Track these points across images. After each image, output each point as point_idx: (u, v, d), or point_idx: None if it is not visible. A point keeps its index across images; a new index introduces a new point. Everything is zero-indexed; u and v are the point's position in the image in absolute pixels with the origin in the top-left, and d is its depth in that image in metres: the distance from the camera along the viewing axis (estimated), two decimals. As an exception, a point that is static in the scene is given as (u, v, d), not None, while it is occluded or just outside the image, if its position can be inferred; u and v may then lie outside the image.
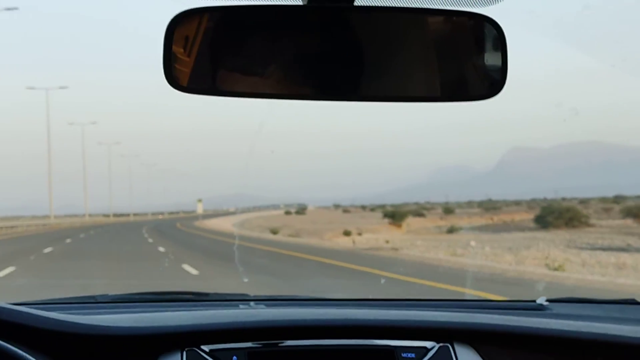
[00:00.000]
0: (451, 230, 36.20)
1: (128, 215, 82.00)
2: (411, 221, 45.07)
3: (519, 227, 36.90)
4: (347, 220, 49.41)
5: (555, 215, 33.39)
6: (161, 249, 21.27)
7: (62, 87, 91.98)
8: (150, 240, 27.10)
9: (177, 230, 41.53)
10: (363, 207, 76.71)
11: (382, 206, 73.30)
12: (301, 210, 69.72)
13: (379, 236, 31.99)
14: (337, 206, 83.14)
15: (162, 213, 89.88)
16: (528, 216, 46.47)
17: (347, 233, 32.39)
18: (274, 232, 34.70)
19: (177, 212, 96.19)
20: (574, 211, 35.33)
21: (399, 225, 40.57)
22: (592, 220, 34.82)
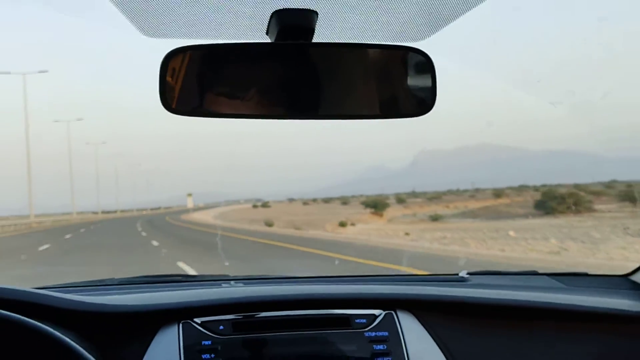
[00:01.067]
0: (436, 218, 32.93)
1: (115, 212, 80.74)
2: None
3: (516, 214, 32.48)
4: (324, 211, 45.09)
5: (558, 201, 29.85)
6: (155, 242, 19.97)
7: (41, 72, 76.08)
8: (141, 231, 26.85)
9: (166, 222, 39.31)
10: (314, 200, 73.81)
11: (329, 199, 70.58)
12: (265, 204, 67.09)
13: (372, 226, 28.95)
14: (291, 200, 79.26)
15: (145, 209, 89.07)
16: (492, 202, 43.66)
17: (342, 224, 29.43)
18: (269, 224, 31.50)
19: (158, 208, 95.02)
20: (577, 196, 30.80)
21: (381, 215, 37.73)
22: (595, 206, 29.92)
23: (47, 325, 1.44)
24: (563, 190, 33.63)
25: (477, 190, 60.00)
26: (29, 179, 50.37)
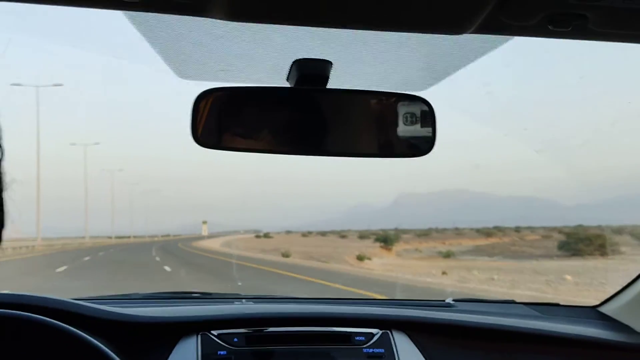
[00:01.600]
0: (447, 255, 30.86)
1: (129, 237, 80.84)
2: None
3: (532, 254, 30.11)
4: (328, 243, 43.03)
5: (585, 243, 28.09)
6: (167, 267, 19.85)
7: (56, 85, 75.28)
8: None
9: (180, 249, 37.41)
10: (310, 232, 72.01)
11: (325, 232, 69.26)
12: (267, 235, 65.03)
13: (389, 261, 26.96)
14: (288, 232, 77.70)
15: (156, 235, 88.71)
16: (485, 241, 42.54)
17: (361, 258, 27.04)
18: (286, 255, 29.16)
19: (168, 235, 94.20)
20: (604, 238, 28.83)
21: (390, 249, 35.33)
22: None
23: (85, 333, 1.53)
24: (590, 232, 31.16)
25: (457, 229, 59.34)
26: (38, 200, 47.67)
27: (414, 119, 1.59)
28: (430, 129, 1.56)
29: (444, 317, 2.04)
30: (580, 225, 39.48)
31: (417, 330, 1.96)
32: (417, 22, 1.22)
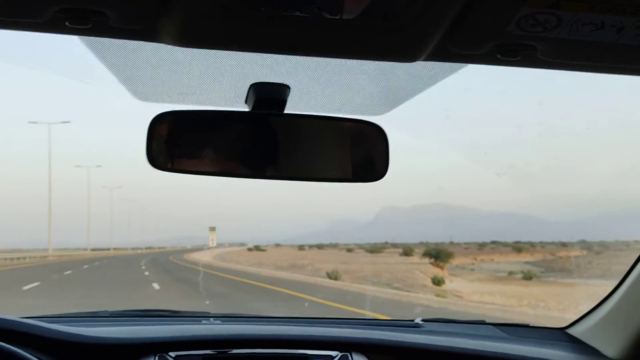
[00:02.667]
0: (529, 277, 25.36)
1: (126, 249, 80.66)
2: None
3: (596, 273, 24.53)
4: (341, 258, 37.73)
5: None
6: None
7: (64, 122, 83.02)
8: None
9: (174, 263, 34.40)
10: (303, 246, 67.98)
11: (322, 245, 66.63)
12: (258, 247, 62.29)
13: (467, 285, 21.51)
14: (277, 245, 73.58)
15: (140, 248, 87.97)
16: (528, 257, 39.77)
17: (438, 282, 21.41)
18: (334, 277, 21.92)
19: (152, 247, 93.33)
20: None
21: (442, 267, 29.25)
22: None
23: (28, 352, 1.50)
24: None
25: (452, 243, 57.32)
26: (50, 217, 52.98)
27: (368, 144, 1.59)
28: (383, 154, 1.56)
29: (406, 340, 2.01)
30: (583, 241, 38.87)
31: (378, 352, 1.93)
32: (370, 50, 1.23)
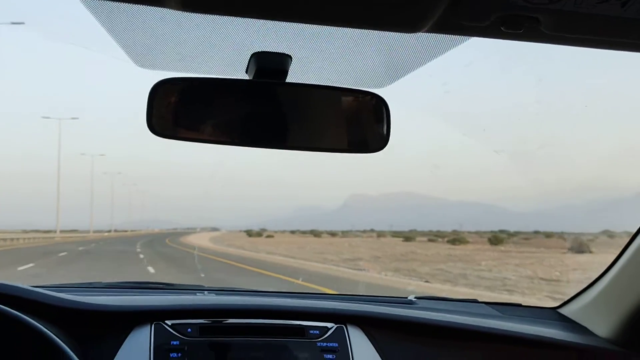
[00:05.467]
0: None
1: (126, 231, 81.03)
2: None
3: None
4: (363, 245, 33.59)
5: None
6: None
7: (73, 118, 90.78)
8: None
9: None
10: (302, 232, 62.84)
11: (318, 232, 61.69)
12: (258, 233, 57.44)
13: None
14: (262, 229, 67.07)
15: (139, 230, 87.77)
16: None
17: None
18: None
19: (148, 229, 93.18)
20: None
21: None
22: None
23: (33, 319, 1.49)
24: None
25: (455, 232, 53.39)
26: (58, 203, 57.75)
27: (369, 116, 1.56)
28: (385, 126, 1.52)
29: (401, 314, 1.99)
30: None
31: (373, 325, 1.91)
32: (373, 20, 1.19)
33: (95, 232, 68.83)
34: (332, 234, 57.52)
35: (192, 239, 45.28)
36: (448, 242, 34.05)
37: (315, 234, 61.31)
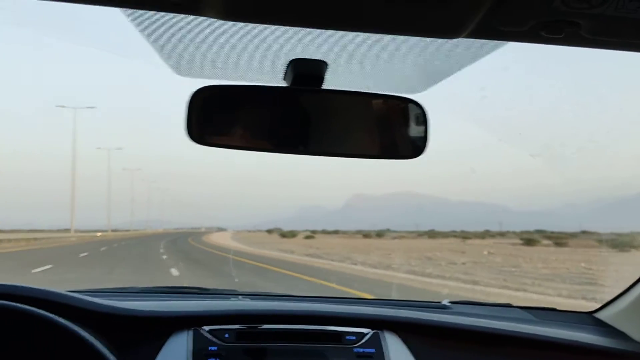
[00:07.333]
0: None
1: (145, 230, 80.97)
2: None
3: None
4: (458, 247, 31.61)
5: None
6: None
7: (89, 107, 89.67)
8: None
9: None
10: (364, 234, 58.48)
11: (329, 232, 61.79)
12: (284, 233, 54.25)
13: None
14: (270, 230, 65.39)
15: (169, 229, 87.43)
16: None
17: None
18: None
19: (179, 229, 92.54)
20: None
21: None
22: None
23: (74, 324, 1.48)
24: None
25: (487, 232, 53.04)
26: (72, 202, 57.12)
27: (407, 121, 1.53)
28: (423, 131, 1.50)
29: (436, 319, 1.96)
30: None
31: (409, 330, 1.88)
32: (411, 26, 1.17)
33: (112, 231, 68.83)
34: (379, 234, 54.55)
35: (216, 239, 43.25)
36: (522, 243, 31.88)
37: (365, 234, 54.92)
